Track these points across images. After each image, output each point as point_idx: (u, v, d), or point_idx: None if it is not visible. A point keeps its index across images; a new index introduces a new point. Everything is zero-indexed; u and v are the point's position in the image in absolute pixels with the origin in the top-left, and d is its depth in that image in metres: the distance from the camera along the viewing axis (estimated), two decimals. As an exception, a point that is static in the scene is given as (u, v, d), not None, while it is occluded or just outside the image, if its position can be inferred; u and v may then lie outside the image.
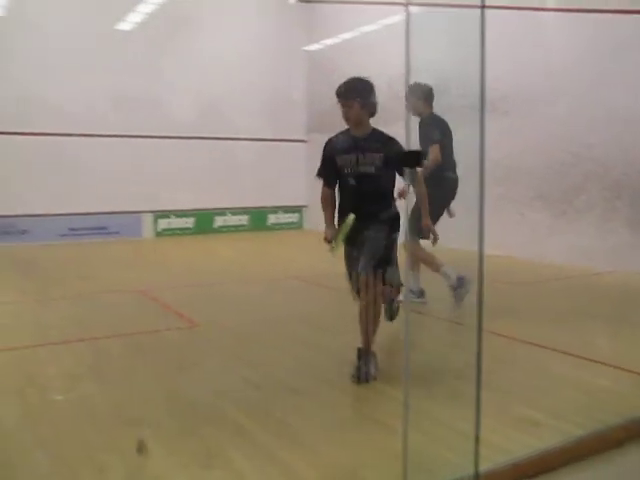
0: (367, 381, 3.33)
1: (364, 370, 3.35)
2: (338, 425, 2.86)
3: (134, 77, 10.82)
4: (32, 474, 2.43)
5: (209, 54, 11.39)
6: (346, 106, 3.50)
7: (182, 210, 11.82)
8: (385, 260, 3.38)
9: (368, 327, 3.41)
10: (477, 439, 2.14)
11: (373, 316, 3.43)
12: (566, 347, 3.98)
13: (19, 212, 10.35)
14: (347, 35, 11.58)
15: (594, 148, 7.49)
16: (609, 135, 7.28)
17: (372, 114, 3.53)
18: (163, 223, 11.75)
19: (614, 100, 7.07)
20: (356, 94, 3.48)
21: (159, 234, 11.71)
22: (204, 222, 12.09)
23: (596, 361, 3.73)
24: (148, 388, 3.38)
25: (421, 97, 5.08)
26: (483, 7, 1.81)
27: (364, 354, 3.41)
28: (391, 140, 3.49)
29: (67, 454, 2.56)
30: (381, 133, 3.54)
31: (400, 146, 3.42)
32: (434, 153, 4.78)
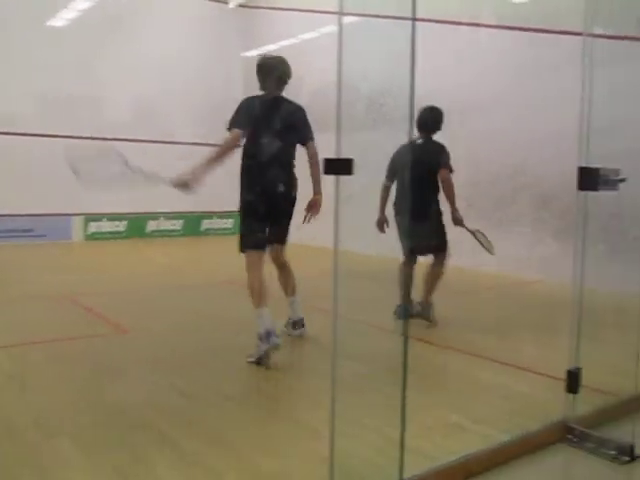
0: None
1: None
2: (267, 431, 2.84)
3: (66, 76, 10.47)
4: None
5: (145, 56, 11.15)
6: None
7: (114, 213, 11.50)
8: None
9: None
10: (402, 445, 2.16)
11: None
12: (492, 354, 4.09)
13: (-61, 212, 9.86)
14: (286, 42, 11.59)
15: (527, 160, 7.76)
16: (540, 148, 7.54)
17: None
18: (94, 226, 11.41)
19: (546, 116, 7.33)
20: None
21: (89, 237, 11.36)
22: (136, 226, 11.81)
23: (520, 367, 3.85)
24: (72, 397, 3.26)
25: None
26: (414, 20, 1.84)
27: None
28: None
29: (-20, 467, 2.44)
30: None
31: None
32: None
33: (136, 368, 3.83)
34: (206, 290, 6.58)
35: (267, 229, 4.10)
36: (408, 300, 4.77)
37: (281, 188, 4.03)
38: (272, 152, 4.02)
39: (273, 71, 4.22)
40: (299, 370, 3.85)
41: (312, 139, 4.17)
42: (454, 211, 4.87)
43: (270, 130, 4.04)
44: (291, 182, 4.12)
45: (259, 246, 4.02)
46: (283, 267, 4.32)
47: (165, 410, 3.08)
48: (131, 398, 3.26)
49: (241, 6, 12.47)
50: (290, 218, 4.19)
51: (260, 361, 3.73)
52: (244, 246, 4.01)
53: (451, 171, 4.88)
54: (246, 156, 4.11)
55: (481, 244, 5.04)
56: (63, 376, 3.62)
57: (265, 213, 4.02)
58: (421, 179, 4.70)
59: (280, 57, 4.32)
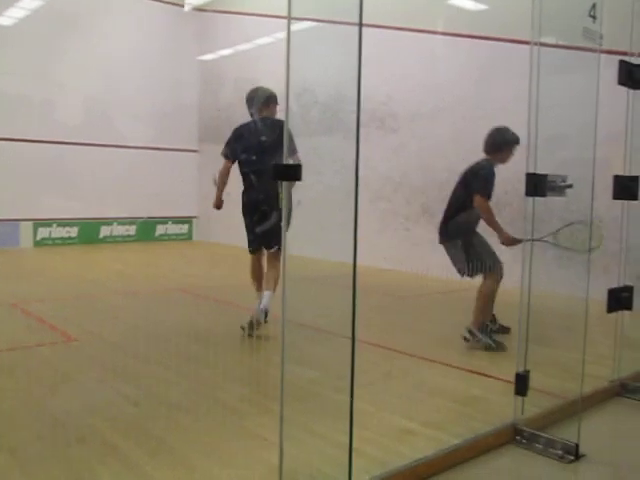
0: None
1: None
2: (217, 440, 2.79)
3: (14, 76, 10.19)
4: None
5: (99, 57, 10.94)
6: None
7: (65, 219, 11.23)
8: None
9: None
10: (351, 451, 2.15)
11: None
12: (444, 358, 4.13)
13: None
14: (242, 47, 11.54)
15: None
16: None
17: None
18: (43, 232, 11.10)
19: (495, 122, 7.46)
20: None
21: (38, 243, 11.05)
22: (89, 232, 11.54)
23: (472, 371, 3.89)
24: (14, 409, 3.14)
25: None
26: (361, 25, 1.84)
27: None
28: None
29: None
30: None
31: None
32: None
33: (83, 377, 3.73)
34: (159, 297, 6.47)
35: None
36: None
37: (263, 197, 4.61)
38: (260, 166, 4.65)
39: (254, 98, 4.92)
40: (249, 376, 3.80)
41: (295, 152, 4.60)
42: (499, 235, 4.57)
43: (256, 148, 4.71)
44: (274, 192, 4.54)
45: (254, 243, 4.92)
46: (272, 266, 4.83)
47: (112, 420, 3.00)
48: (77, 408, 3.17)
49: (197, 9, 12.36)
50: (272, 223, 4.66)
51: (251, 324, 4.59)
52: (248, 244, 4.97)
53: (487, 197, 4.64)
54: (241, 172, 4.87)
55: (566, 248, 4.36)
56: (5, 387, 3.49)
57: (254, 219, 4.75)
58: (457, 199, 4.80)
59: (261, 86, 5.02)
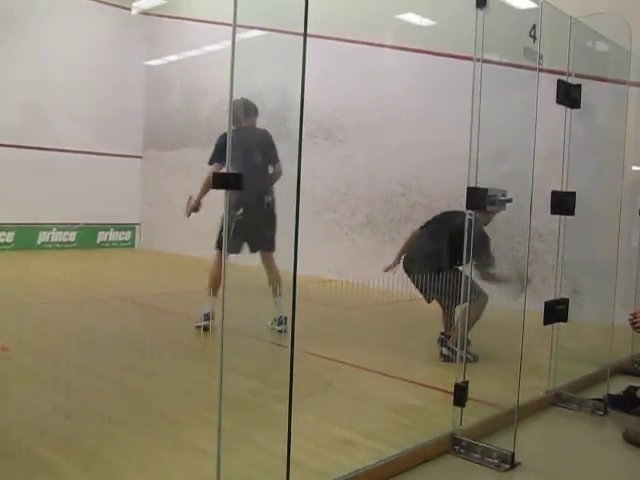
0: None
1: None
2: (154, 453, 2.72)
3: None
4: None
5: (40, 58, 10.61)
6: None
7: (0, 224, 10.80)
8: None
9: None
10: (288, 462, 2.13)
11: None
12: (386, 369, 4.15)
13: None
14: (190, 53, 11.40)
15: (422, 181, 8.00)
16: (435, 168, 7.80)
17: None
18: (-24, 237, 10.66)
19: (445, 137, 7.59)
20: None
21: (-29, 249, 10.60)
22: (26, 237, 11.14)
23: (413, 382, 3.92)
24: None
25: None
26: (305, 35, 1.84)
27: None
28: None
29: None
30: None
31: None
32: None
33: (13, 389, 3.56)
34: (97, 305, 6.28)
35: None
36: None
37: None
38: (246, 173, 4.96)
39: (237, 109, 4.94)
40: (188, 386, 3.72)
41: (278, 161, 5.04)
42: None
43: (243, 156, 4.79)
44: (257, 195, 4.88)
45: (220, 247, 4.94)
46: (269, 271, 5.01)
47: (42, 433, 2.88)
48: (5, 422, 3.02)
49: (144, 14, 12.16)
50: (264, 228, 4.92)
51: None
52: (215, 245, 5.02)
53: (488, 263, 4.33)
54: None
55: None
56: None
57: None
58: (434, 243, 4.70)
59: (243, 98, 5.15)
